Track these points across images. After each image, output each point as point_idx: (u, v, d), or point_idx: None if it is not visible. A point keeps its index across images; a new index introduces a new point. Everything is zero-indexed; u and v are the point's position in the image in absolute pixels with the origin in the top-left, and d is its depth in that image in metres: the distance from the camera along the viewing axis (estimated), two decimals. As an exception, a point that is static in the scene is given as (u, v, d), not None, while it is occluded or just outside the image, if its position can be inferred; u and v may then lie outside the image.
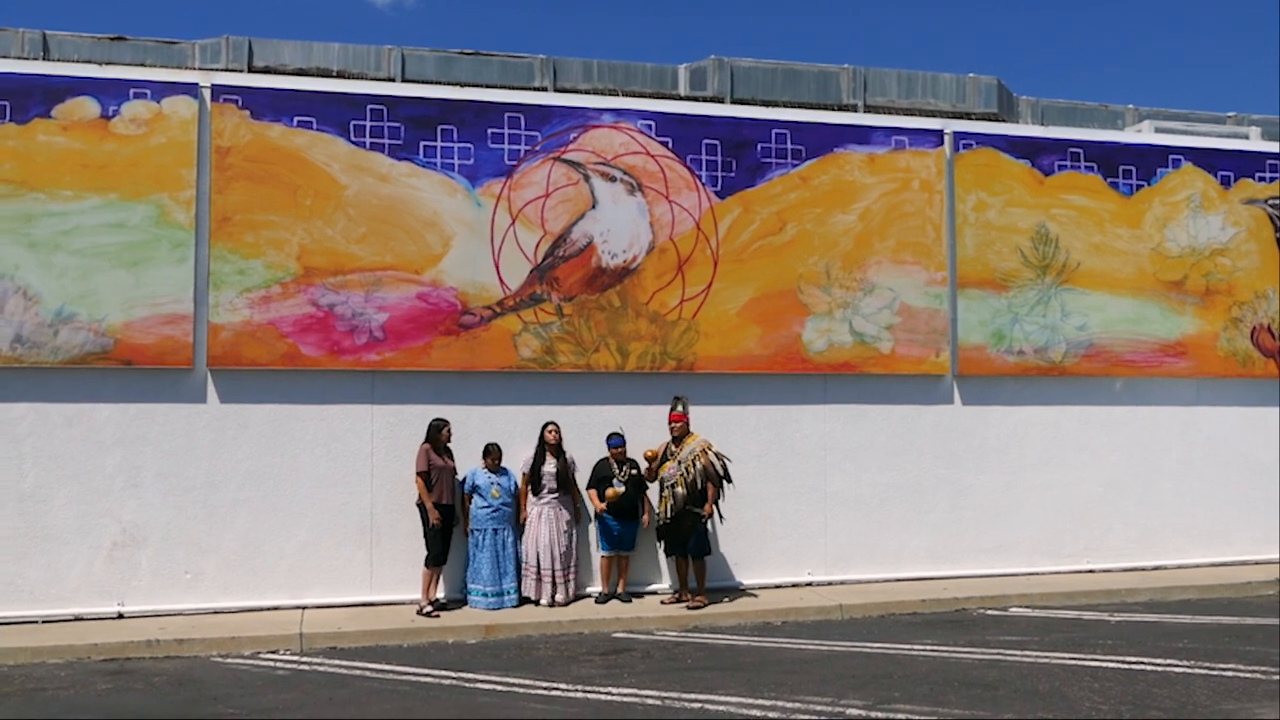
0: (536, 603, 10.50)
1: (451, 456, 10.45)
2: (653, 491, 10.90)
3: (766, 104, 17.44)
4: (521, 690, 7.71)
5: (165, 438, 10.19)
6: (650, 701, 7.36)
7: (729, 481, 10.74)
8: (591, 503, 10.86)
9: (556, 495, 10.64)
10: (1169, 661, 8.37)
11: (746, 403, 11.57)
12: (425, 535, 10.27)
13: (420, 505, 10.27)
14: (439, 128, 10.87)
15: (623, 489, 10.64)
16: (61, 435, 9.99)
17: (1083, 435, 12.57)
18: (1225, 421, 13.03)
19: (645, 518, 10.93)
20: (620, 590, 10.89)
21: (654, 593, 11.09)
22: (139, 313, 10.04)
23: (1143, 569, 12.49)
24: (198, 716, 7.18)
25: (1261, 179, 13.30)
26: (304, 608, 10.28)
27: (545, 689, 7.72)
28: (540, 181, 11.10)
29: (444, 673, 8.30)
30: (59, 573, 9.89)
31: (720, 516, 10.82)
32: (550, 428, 10.71)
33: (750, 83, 19.36)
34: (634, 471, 10.82)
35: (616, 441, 10.83)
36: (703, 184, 11.50)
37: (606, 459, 10.85)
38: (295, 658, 8.93)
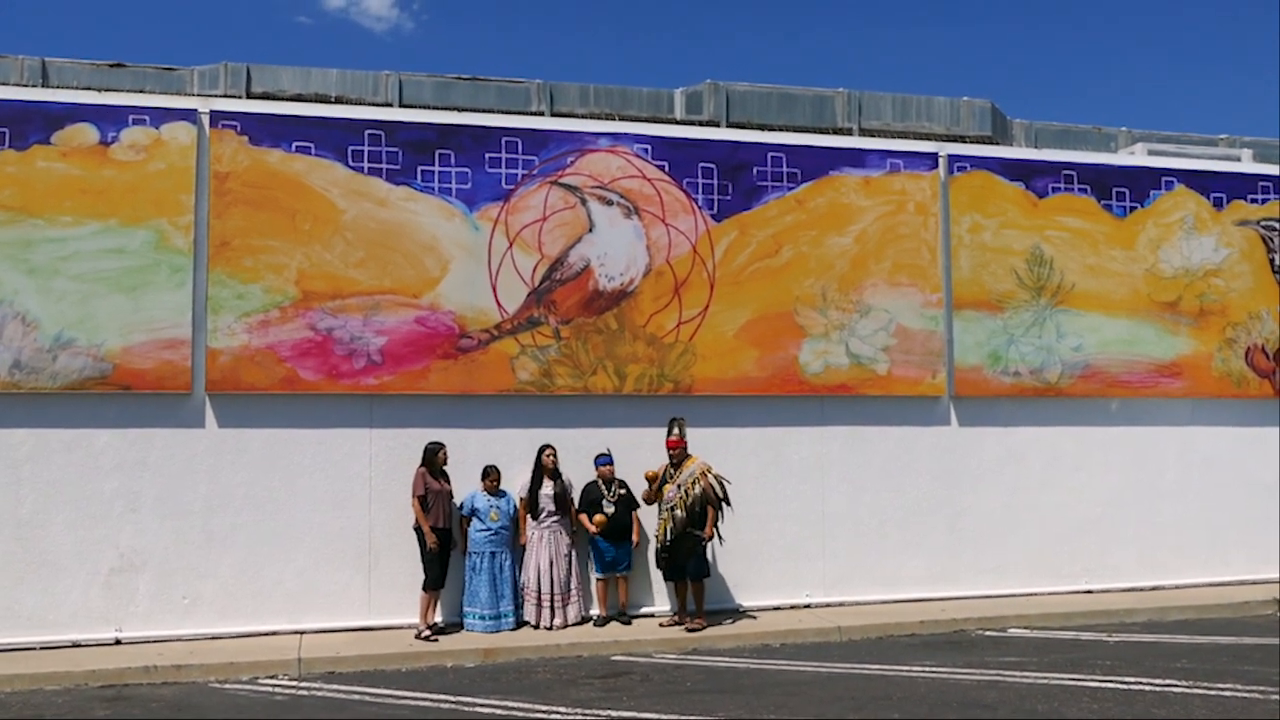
0: (536, 627, 10.48)
1: (448, 480, 10.45)
2: (651, 514, 10.91)
3: (762, 127, 17.56)
4: (521, 714, 7.70)
5: (163, 462, 10.20)
6: (649, 724, 7.36)
7: (728, 504, 10.76)
8: (586, 524, 10.84)
9: (556, 519, 10.64)
10: (1168, 682, 8.37)
11: (743, 425, 11.59)
12: (422, 559, 10.26)
13: (417, 529, 10.27)
14: (436, 152, 10.93)
15: (612, 510, 10.65)
16: (60, 460, 9.99)
17: (1079, 456, 12.60)
18: (1221, 441, 13.06)
19: (635, 537, 10.93)
20: (623, 608, 10.88)
21: (652, 615, 11.07)
22: (137, 338, 10.06)
23: (1141, 589, 12.48)
24: (196, 742, 7.17)
25: (1254, 200, 13.39)
26: (302, 632, 10.25)
27: (544, 712, 7.71)
28: (537, 205, 11.16)
29: (443, 697, 8.28)
30: (56, 598, 9.87)
31: (720, 539, 10.82)
32: (547, 451, 10.71)
33: (746, 106, 19.51)
34: (623, 491, 10.84)
35: (604, 460, 10.85)
36: (699, 207, 11.56)
37: (595, 481, 10.86)
38: (293, 683, 8.91)
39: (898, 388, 11.98)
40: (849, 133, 19.26)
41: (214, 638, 10.06)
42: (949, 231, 12.26)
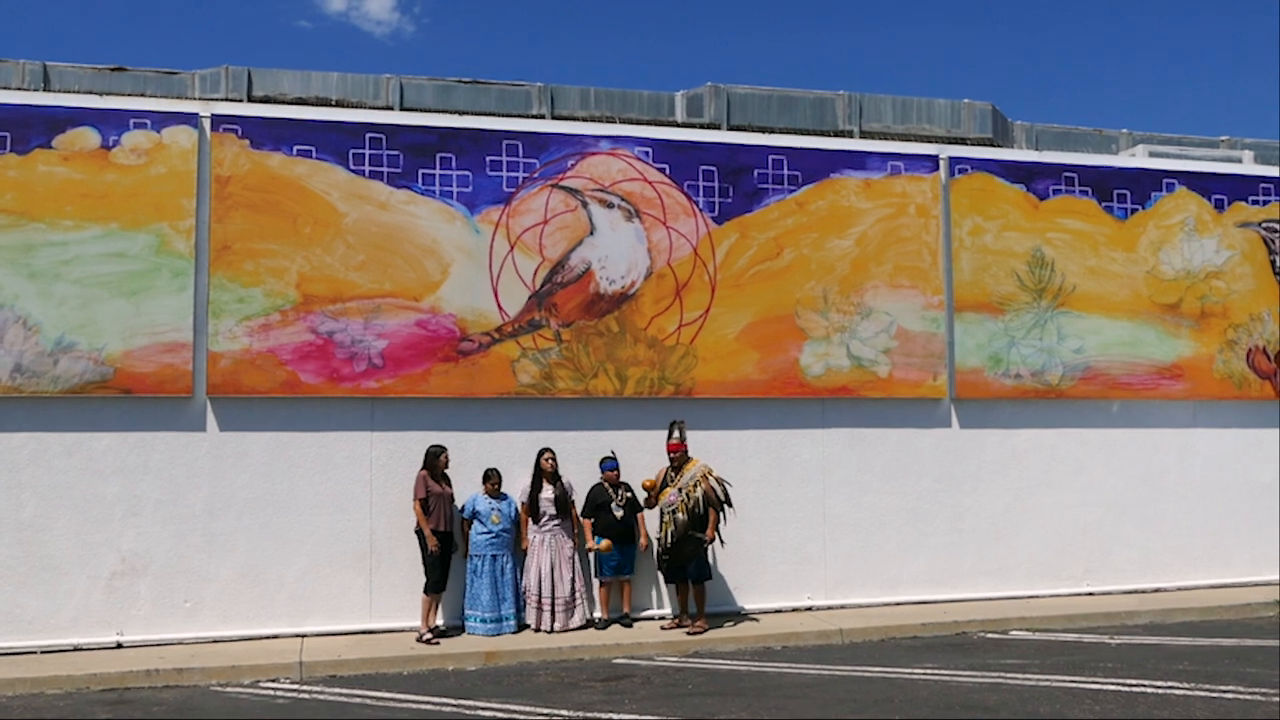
0: (537, 630, 10.48)
1: (449, 483, 10.45)
2: (653, 518, 10.91)
3: (763, 130, 17.54)
4: (522, 717, 7.70)
5: (165, 466, 10.20)
6: (651, 727, 7.35)
7: (730, 506, 10.75)
8: (586, 532, 10.83)
9: (557, 522, 10.64)
10: (1169, 684, 8.36)
11: (745, 427, 11.58)
12: (424, 562, 10.26)
13: (418, 532, 10.27)
14: (437, 155, 10.94)
15: (620, 513, 10.66)
16: (61, 464, 9.99)
17: (1081, 458, 12.59)
18: (1222, 443, 13.05)
19: (643, 541, 10.93)
20: (626, 611, 10.88)
21: (654, 618, 11.07)
22: (139, 341, 10.06)
23: (1142, 591, 12.48)
24: (197, 746, 7.17)
25: (1255, 202, 13.38)
26: (303, 636, 10.25)
27: (546, 715, 7.71)
28: (538, 208, 11.17)
29: (444, 700, 8.28)
30: (58, 602, 9.87)
31: (721, 541, 10.82)
32: (546, 455, 10.71)
33: (746, 109, 19.49)
34: (629, 495, 10.83)
35: (610, 465, 10.85)
36: (700, 210, 11.57)
37: (600, 484, 10.86)
38: (295, 686, 8.91)
39: (899, 390, 11.97)
40: (850, 135, 19.24)
41: (215, 641, 10.07)
42: (950, 234, 12.27)
